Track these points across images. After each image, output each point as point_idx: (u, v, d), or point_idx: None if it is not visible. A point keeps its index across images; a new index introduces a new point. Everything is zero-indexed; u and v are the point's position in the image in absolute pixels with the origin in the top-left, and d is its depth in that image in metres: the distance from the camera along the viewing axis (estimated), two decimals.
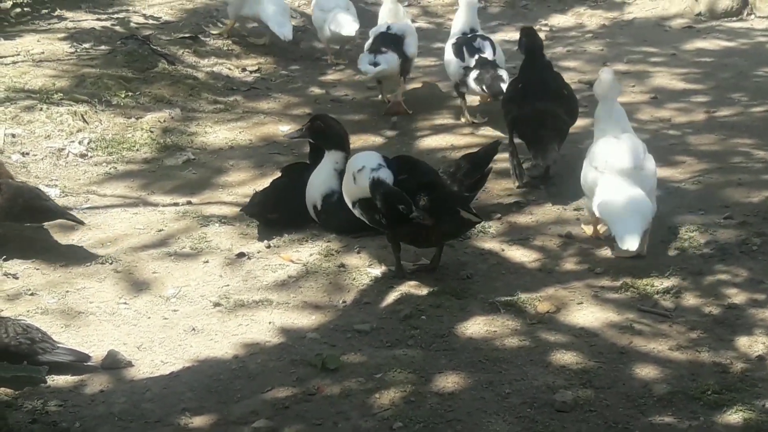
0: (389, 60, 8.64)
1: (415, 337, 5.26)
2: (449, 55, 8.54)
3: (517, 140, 7.23)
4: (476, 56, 8.30)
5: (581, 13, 12.07)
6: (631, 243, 5.57)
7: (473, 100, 8.76)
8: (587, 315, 5.46)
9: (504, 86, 7.87)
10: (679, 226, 6.37)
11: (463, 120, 8.62)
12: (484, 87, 8.11)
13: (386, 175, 5.73)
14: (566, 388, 4.76)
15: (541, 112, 7.05)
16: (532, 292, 5.70)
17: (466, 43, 8.46)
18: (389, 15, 9.33)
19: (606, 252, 6.16)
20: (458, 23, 8.80)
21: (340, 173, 6.34)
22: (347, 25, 9.83)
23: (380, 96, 9.28)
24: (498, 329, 5.33)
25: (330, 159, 6.47)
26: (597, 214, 5.94)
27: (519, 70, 7.80)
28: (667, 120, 8.43)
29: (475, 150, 6.42)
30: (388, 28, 8.90)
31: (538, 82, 7.37)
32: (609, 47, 10.67)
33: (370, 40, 8.94)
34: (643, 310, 5.48)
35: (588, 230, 6.38)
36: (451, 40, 8.64)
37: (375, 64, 8.61)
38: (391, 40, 8.78)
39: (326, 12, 9.99)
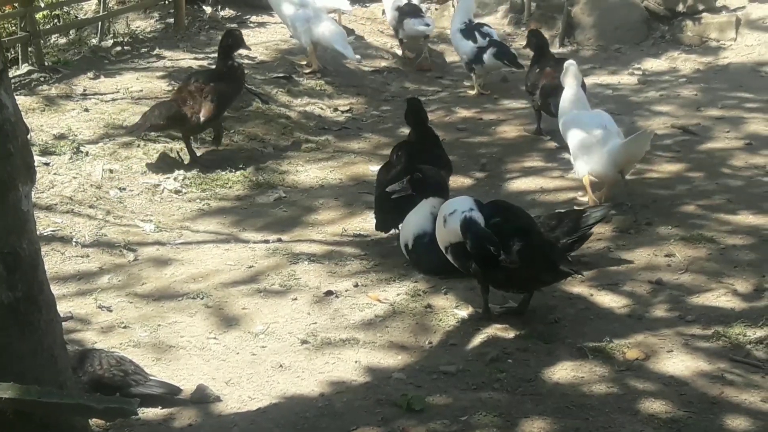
0: (432, 22, 11.81)
1: (501, 380, 5.23)
2: (460, 39, 10.70)
3: None
4: (487, 38, 10.54)
5: (675, 58, 11.97)
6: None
7: None
8: (677, 363, 5.37)
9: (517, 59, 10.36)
10: None
11: (473, 93, 10.89)
12: (505, 60, 10.38)
13: (478, 218, 5.72)
14: None
15: None
16: (621, 339, 5.62)
17: (476, 29, 10.70)
18: None
19: (698, 299, 6.07)
20: (458, 16, 10.96)
21: (436, 217, 6.38)
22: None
23: (402, 52, 12.10)
24: (585, 375, 5.27)
25: (428, 203, 6.53)
26: (607, 158, 7.31)
27: (533, 64, 9.43)
28: (761, 167, 8.30)
29: (580, 210, 6.54)
30: (408, 1, 11.70)
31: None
32: (703, 92, 10.56)
33: (394, 9, 11.64)
34: (736, 360, 5.38)
35: (588, 196, 7.54)
36: (458, 28, 10.76)
37: (427, 25, 11.58)
38: (417, 9, 11.72)
39: None
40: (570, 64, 8.15)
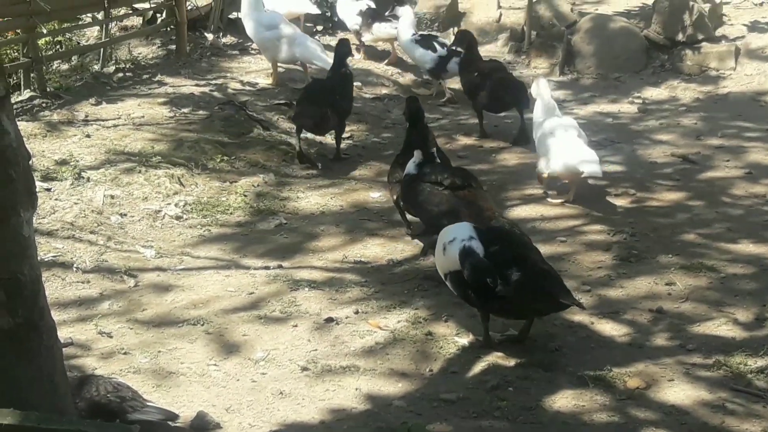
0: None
1: (502, 408, 5.22)
2: (419, 50, 11.23)
3: None
4: (445, 48, 11.12)
5: (675, 86, 11.99)
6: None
7: None
8: (678, 393, 5.36)
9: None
10: None
11: (446, 98, 11.43)
12: None
13: (477, 247, 5.72)
14: None
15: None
16: (622, 367, 5.62)
17: (433, 39, 11.32)
18: None
19: (699, 328, 6.06)
20: (406, 28, 11.46)
21: (415, 164, 7.20)
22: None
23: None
24: (586, 404, 5.27)
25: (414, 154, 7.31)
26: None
27: (465, 62, 10.45)
28: (762, 196, 8.31)
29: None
30: (368, 6, 12.24)
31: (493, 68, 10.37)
32: (703, 121, 10.58)
33: (356, 15, 12.14)
34: (737, 390, 5.37)
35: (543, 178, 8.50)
36: (411, 39, 11.34)
37: (396, 28, 11.78)
38: (381, 13, 12.24)
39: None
40: (540, 79, 9.05)
